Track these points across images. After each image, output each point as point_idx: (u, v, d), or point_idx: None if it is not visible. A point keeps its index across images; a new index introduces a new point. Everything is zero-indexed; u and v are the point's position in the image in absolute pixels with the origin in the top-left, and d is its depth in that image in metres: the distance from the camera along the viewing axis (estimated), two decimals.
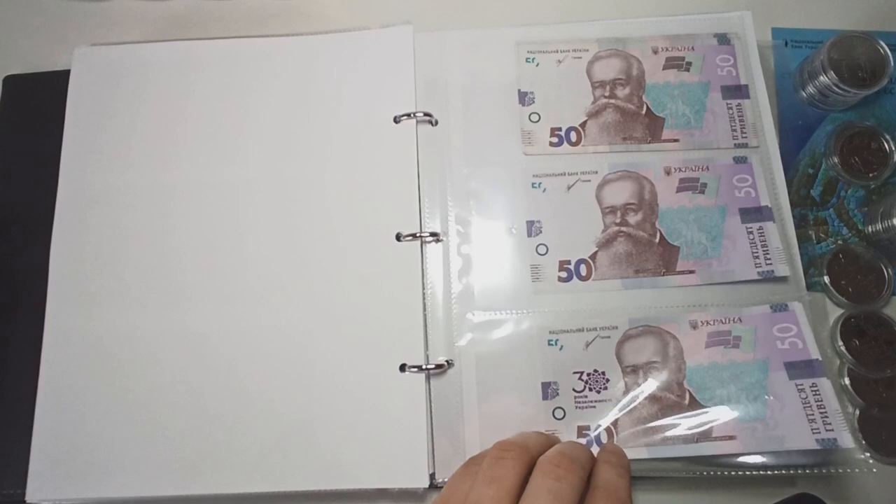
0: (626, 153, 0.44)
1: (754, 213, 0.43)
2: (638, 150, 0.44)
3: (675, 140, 0.44)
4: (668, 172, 0.44)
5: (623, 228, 0.43)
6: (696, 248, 0.42)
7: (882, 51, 0.45)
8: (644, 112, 0.45)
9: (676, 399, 0.39)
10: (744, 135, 0.44)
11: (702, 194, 0.43)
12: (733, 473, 0.38)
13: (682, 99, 0.45)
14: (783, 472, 0.38)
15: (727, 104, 0.45)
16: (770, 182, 0.44)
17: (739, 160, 0.44)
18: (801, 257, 0.42)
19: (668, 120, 0.45)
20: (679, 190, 0.43)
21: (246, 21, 0.50)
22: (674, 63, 0.46)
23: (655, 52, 0.46)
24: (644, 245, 0.42)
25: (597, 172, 0.44)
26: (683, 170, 0.44)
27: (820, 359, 0.39)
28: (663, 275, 0.42)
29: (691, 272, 0.42)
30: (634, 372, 0.40)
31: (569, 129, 0.45)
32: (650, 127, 0.45)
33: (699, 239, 0.42)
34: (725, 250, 0.42)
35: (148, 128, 0.45)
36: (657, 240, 0.42)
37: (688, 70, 0.45)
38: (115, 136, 0.45)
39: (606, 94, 0.45)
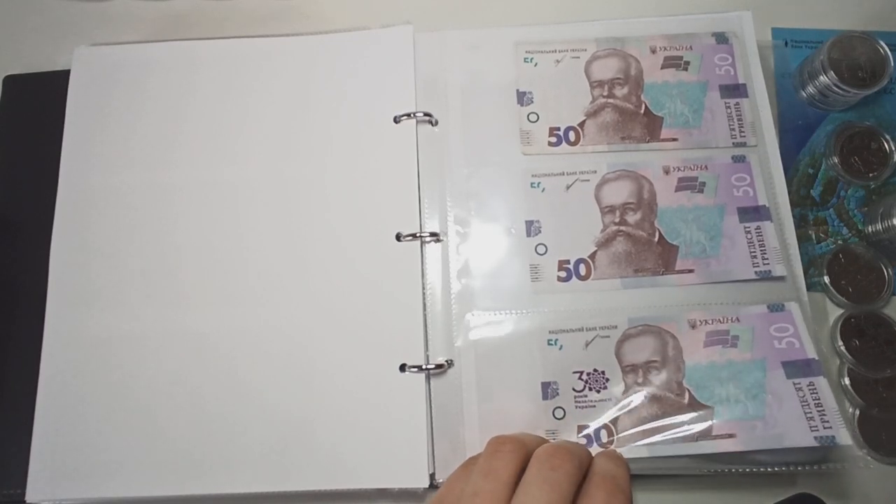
0: (624, 153, 0.44)
1: (752, 213, 0.43)
2: (636, 149, 0.44)
3: (674, 139, 0.44)
4: (666, 172, 0.44)
5: (622, 228, 0.43)
6: (694, 247, 0.42)
7: (882, 51, 0.45)
8: (642, 111, 0.45)
9: (676, 398, 0.39)
10: (742, 134, 0.44)
11: (700, 193, 0.43)
12: (733, 471, 0.38)
13: (681, 98, 0.45)
14: (783, 469, 0.38)
15: (725, 103, 0.45)
16: (768, 181, 0.43)
17: (738, 159, 0.44)
18: (801, 257, 0.42)
19: (667, 119, 0.45)
20: (678, 189, 0.43)
21: (246, 21, 0.50)
22: (672, 62, 0.46)
23: (654, 51, 0.46)
24: (643, 244, 0.42)
25: (595, 172, 0.44)
26: (682, 169, 0.44)
27: (817, 358, 0.39)
28: (662, 274, 0.42)
29: (690, 271, 0.42)
30: (634, 371, 0.40)
31: (567, 129, 0.45)
32: (649, 126, 0.45)
33: (698, 238, 0.42)
34: (724, 249, 0.42)
35: (148, 128, 0.45)
36: (656, 239, 0.42)
37: (686, 69, 0.45)
38: (115, 136, 0.45)
39: (605, 93, 0.45)
